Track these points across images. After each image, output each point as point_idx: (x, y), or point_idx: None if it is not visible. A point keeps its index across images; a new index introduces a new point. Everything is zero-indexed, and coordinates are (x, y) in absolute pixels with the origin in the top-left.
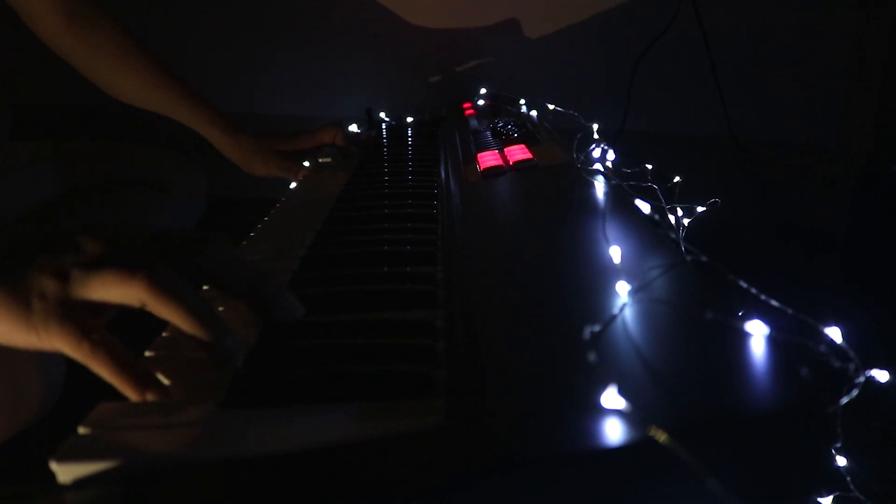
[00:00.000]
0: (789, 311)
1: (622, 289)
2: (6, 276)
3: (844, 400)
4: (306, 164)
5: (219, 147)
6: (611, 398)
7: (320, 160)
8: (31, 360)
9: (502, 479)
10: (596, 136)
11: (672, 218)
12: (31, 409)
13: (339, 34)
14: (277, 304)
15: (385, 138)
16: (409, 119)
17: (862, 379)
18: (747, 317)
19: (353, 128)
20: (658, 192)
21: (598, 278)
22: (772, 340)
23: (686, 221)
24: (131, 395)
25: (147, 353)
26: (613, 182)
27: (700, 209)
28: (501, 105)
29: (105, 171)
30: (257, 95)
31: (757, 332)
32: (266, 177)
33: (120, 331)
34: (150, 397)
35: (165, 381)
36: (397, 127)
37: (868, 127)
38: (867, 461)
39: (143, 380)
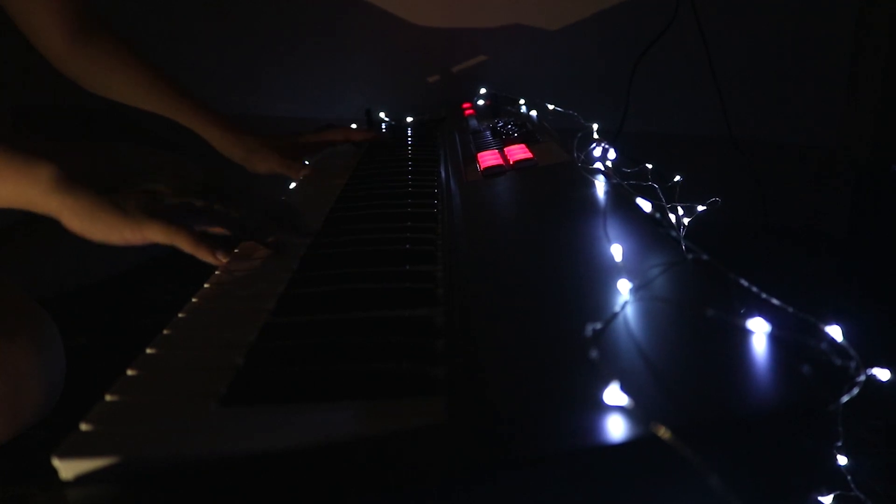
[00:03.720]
0: (790, 309)
1: (623, 287)
2: (110, 197)
3: (845, 398)
4: (307, 163)
5: (219, 147)
6: (613, 395)
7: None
8: (32, 362)
9: (503, 477)
10: (596, 135)
11: (672, 217)
12: (31, 410)
13: (338, 35)
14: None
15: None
16: (409, 119)
17: (863, 377)
18: (748, 315)
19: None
20: (658, 191)
21: (599, 276)
22: (773, 338)
23: (686, 220)
24: (209, 260)
25: (148, 351)
26: (614, 181)
27: (700, 208)
28: (501, 105)
29: (103, 173)
30: (257, 96)
31: (758, 330)
32: (267, 174)
33: (122, 329)
34: (221, 258)
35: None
36: (397, 127)
37: (867, 127)
38: (868, 460)
39: (212, 249)
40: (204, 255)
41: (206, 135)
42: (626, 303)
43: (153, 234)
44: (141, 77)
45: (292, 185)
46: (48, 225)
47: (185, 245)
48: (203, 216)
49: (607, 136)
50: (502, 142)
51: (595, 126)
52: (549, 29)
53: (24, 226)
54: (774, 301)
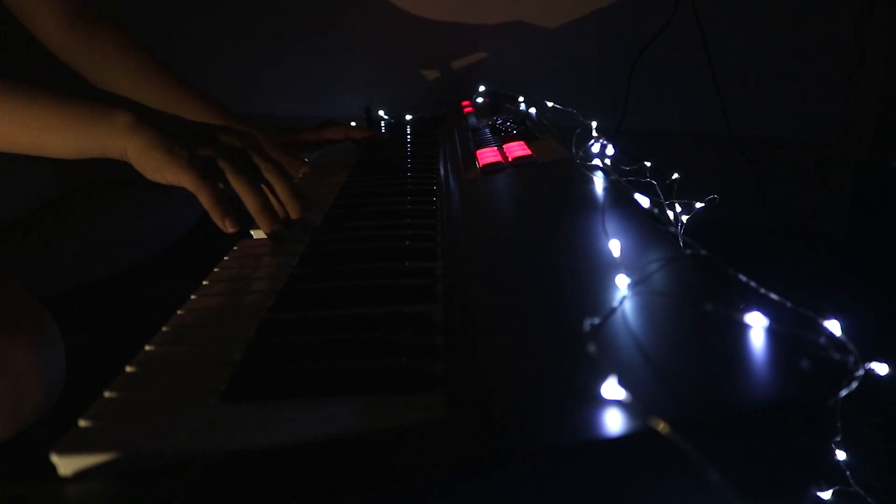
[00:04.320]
0: (788, 304)
1: (622, 282)
2: (167, 139)
3: (844, 393)
4: (306, 160)
5: None
6: (611, 389)
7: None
8: (32, 360)
9: (502, 471)
10: (595, 132)
11: (671, 213)
12: (31, 408)
13: (338, 34)
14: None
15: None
16: (409, 117)
17: (861, 372)
18: (746, 310)
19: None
20: (657, 188)
21: (597, 272)
22: (771, 333)
23: (685, 217)
24: (218, 222)
25: (147, 348)
26: (612, 177)
27: (699, 205)
28: (500, 103)
29: (103, 170)
30: (256, 95)
31: (756, 325)
32: None
33: (122, 327)
34: (228, 225)
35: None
36: (396, 125)
37: (867, 123)
38: (867, 455)
39: (223, 213)
40: (215, 216)
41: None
42: (624, 298)
43: (185, 181)
44: (138, 66)
45: None
46: (48, 223)
47: (203, 200)
48: (239, 177)
49: (606, 134)
50: (501, 139)
51: (594, 123)
52: (548, 26)
53: (25, 224)
54: (773, 296)
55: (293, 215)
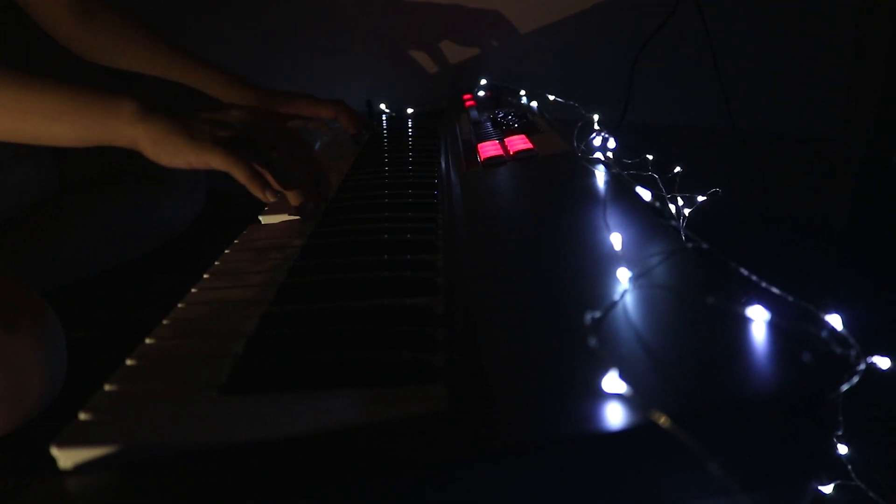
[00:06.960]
0: (790, 298)
1: (623, 275)
2: (183, 122)
3: (845, 387)
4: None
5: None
6: (612, 382)
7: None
8: (33, 354)
9: (503, 464)
10: (596, 126)
11: (673, 207)
12: (32, 402)
13: (339, 26)
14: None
15: (386, 129)
16: (410, 111)
17: (863, 366)
18: (748, 303)
19: None
20: (659, 181)
21: (598, 265)
22: (773, 327)
23: (687, 211)
24: (258, 194)
25: (148, 341)
26: (614, 171)
27: (701, 198)
28: (502, 96)
29: (104, 164)
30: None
31: (758, 319)
32: None
33: (122, 321)
34: (269, 197)
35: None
36: (398, 118)
37: (869, 117)
38: (868, 449)
39: (263, 185)
40: (255, 189)
41: (211, 91)
42: (625, 291)
43: (214, 160)
44: (147, 50)
45: None
46: (50, 218)
47: (240, 176)
48: (262, 154)
49: (608, 127)
50: (503, 132)
51: (596, 117)
52: (551, 19)
53: (26, 218)
54: (774, 290)
55: (322, 196)
